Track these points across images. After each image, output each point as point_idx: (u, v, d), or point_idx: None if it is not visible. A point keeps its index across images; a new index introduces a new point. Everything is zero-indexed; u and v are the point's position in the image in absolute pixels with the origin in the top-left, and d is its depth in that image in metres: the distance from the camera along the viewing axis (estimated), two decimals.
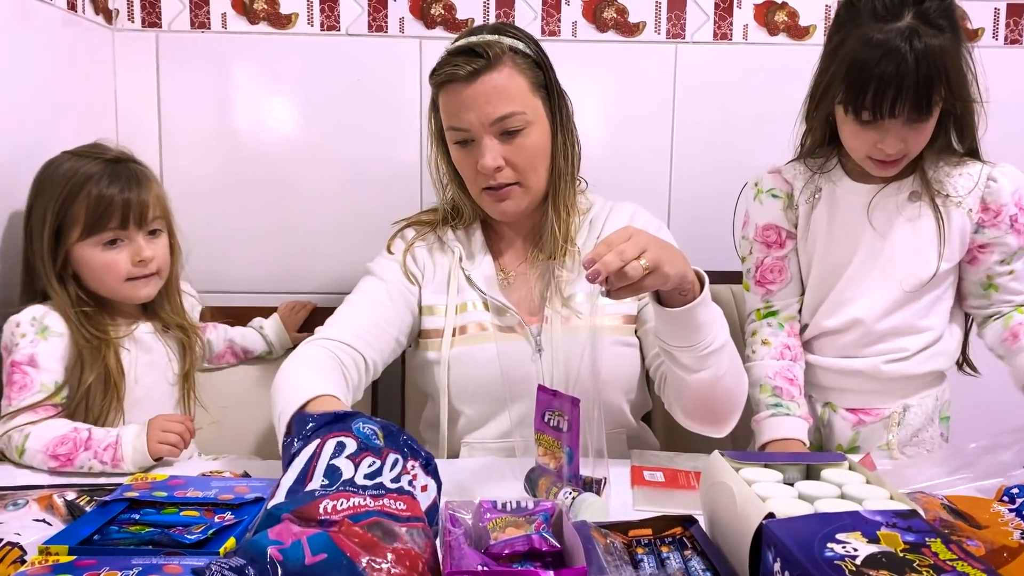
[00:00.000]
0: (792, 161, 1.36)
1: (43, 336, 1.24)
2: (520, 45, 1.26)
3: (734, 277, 1.71)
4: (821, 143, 1.33)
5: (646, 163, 1.79)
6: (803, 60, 1.72)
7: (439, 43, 1.72)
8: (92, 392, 1.24)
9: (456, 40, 1.28)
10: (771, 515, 0.75)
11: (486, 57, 1.22)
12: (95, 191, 1.24)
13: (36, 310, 1.25)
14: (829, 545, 0.68)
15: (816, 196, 1.32)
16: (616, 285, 1.00)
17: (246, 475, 1.09)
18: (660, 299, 1.10)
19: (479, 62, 1.22)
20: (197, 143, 1.76)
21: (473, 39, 1.25)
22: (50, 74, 1.47)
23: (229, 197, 1.77)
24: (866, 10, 1.16)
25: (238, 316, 1.62)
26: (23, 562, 0.77)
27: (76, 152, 1.29)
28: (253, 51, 1.73)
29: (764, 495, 0.80)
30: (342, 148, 1.77)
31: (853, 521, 0.72)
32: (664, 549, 0.85)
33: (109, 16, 1.68)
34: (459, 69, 1.22)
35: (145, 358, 1.33)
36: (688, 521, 0.90)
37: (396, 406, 1.67)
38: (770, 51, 1.76)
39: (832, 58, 1.21)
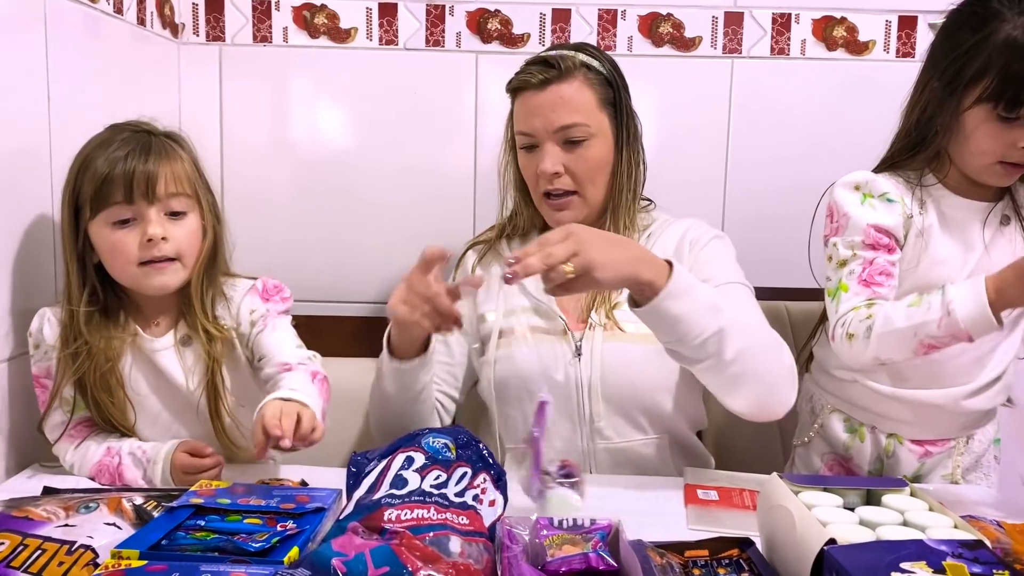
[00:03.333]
0: (884, 172, 1.30)
1: (50, 349, 1.18)
2: (595, 63, 1.33)
3: (790, 294, 1.70)
4: (912, 157, 1.28)
5: (700, 179, 1.78)
6: (862, 76, 1.74)
7: (495, 58, 1.76)
8: (98, 402, 1.17)
9: (546, 51, 1.36)
10: (832, 541, 0.74)
11: (558, 68, 1.31)
12: (99, 162, 1.12)
13: (43, 316, 1.19)
14: (894, 574, 0.67)
15: (922, 210, 1.25)
16: (547, 285, 1.03)
17: (304, 483, 1.11)
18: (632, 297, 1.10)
19: (551, 72, 1.31)
20: (257, 154, 1.79)
21: (551, 52, 1.34)
22: (119, 85, 1.51)
23: (287, 207, 1.80)
24: (1008, 6, 1.13)
25: (313, 329, 1.63)
26: (95, 564, 0.79)
27: (114, 125, 1.19)
28: (313, 65, 1.77)
29: (824, 520, 0.80)
30: (398, 161, 1.79)
31: (918, 550, 0.71)
32: (721, 571, 0.85)
33: (175, 30, 1.73)
34: (531, 77, 1.31)
35: (146, 368, 1.20)
36: (745, 543, 0.90)
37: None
38: (828, 67, 1.74)
39: (973, 54, 1.16)
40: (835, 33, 1.74)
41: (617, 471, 1.32)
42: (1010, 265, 1.07)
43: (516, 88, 1.35)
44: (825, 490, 0.88)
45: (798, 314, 1.67)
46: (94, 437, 1.20)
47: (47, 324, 1.18)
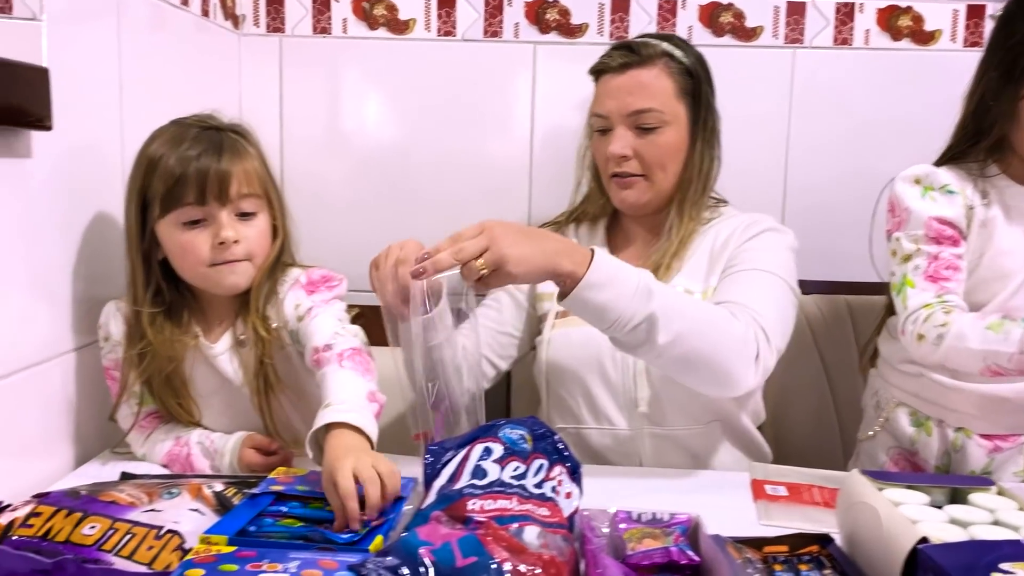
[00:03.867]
0: (945, 164, 1.29)
1: (117, 344, 1.18)
2: (678, 52, 1.34)
3: (851, 288, 1.68)
4: (973, 147, 1.27)
5: (759, 171, 1.76)
6: (927, 66, 1.71)
7: (553, 48, 1.75)
8: (163, 400, 1.19)
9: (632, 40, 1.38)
10: (924, 539, 0.73)
11: (639, 54, 1.32)
12: (172, 160, 1.09)
13: (111, 309, 1.20)
14: (993, 575, 0.66)
15: (985, 201, 1.25)
16: (466, 282, 1.02)
17: None
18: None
19: (631, 57, 1.32)
20: (315, 146, 1.80)
21: (636, 39, 1.36)
22: (182, 77, 1.53)
23: (345, 199, 1.81)
24: None
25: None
26: (183, 550, 0.81)
27: (181, 120, 1.17)
28: (371, 56, 1.77)
29: (913, 518, 0.79)
30: (454, 153, 1.79)
31: (1016, 551, 0.70)
32: (803, 568, 0.84)
33: (236, 21, 1.74)
34: (612, 60, 1.33)
35: (212, 374, 1.20)
36: (824, 539, 0.89)
37: (501, 398, 1.69)
38: (893, 57, 1.71)
39: None
40: (900, 23, 1.71)
41: (665, 459, 1.31)
42: None
43: (597, 71, 1.36)
44: (909, 487, 0.87)
45: (859, 308, 1.65)
46: (163, 428, 1.22)
47: (113, 319, 1.19)
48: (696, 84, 1.34)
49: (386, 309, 1.10)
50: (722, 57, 1.71)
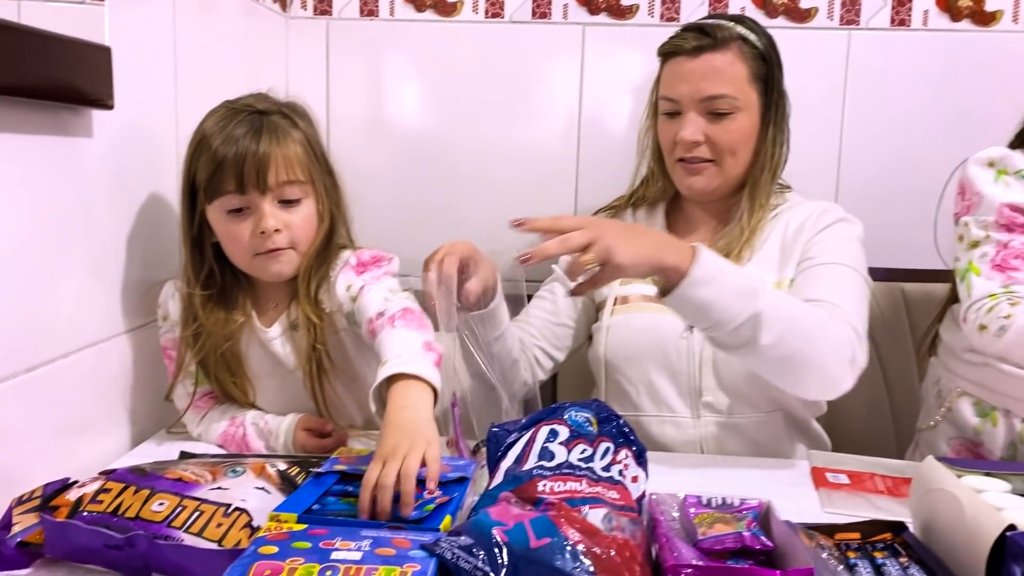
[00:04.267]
0: (1021, 147, 1.25)
1: (175, 324, 1.19)
2: (752, 36, 1.30)
3: (909, 275, 1.64)
4: None
5: (812, 154, 1.72)
6: (989, 48, 1.66)
7: (602, 30, 1.73)
8: (219, 381, 1.19)
9: (703, 19, 1.35)
10: (1011, 526, 0.71)
11: (713, 38, 1.28)
12: (214, 145, 1.08)
13: (169, 289, 1.20)
14: None
15: None
16: (572, 283, 1.02)
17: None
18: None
19: (705, 40, 1.28)
20: (362, 129, 1.80)
21: (708, 20, 1.33)
22: (231, 59, 1.53)
23: (391, 182, 1.80)
24: None
25: None
26: (251, 527, 0.80)
27: (233, 101, 1.15)
28: (419, 38, 1.76)
29: (997, 505, 0.77)
30: (500, 136, 1.78)
31: None
32: (878, 555, 0.82)
33: (284, 4, 1.74)
34: (685, 43, 1.29)
35: (266, 355, 1.19)
36: (898, 527, 0.87)
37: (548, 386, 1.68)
38: (953, 38, 1.67)
39: None
40: (960, 3, 1.66)
41: (726, 448, 1.30)
42: None
43: (668, 52, 1.32)
44: (987, 475, 0.85)
45: (915, 296, 1.62)
46: (218, 408, 1.22)
47: (172, 299, 1.20)
48: (769, 68, 1.31)
49: (435, 300, 1.10)
50: (777, 39, 1.69)
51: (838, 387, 1.14)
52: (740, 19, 1.33)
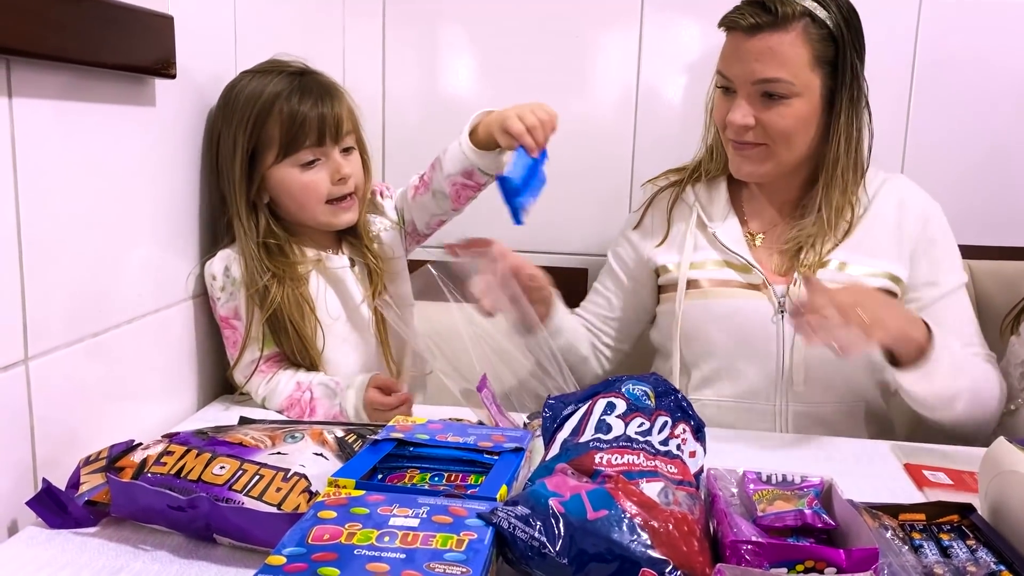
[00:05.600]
0: None
1: (238, 288, 1.21)
2: (821, 13, 1.19)
3: (974, 252, 1.59)
4: None
5: (878, 129, 1.67)
6: None
7: (659, 2, 1.69)
8: (293, 331, 1.21)
9: None
10: None
11: (774, 14, 1.18)
12: (287, 108, 1.17)
13: (227, 257, 1.22)
14: None
15: None
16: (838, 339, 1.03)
17: (481, 423, 1.12)
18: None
19: (764, 18, 1.19)
20: (416, 102, 1.79)
21: None
22: (287, 29, 1.53)
23: None
24: None
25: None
26: (310, 492, 0.81)
27: (257, 70, 1.23)
28: (474, 10, 1.75)
29: None
30: (558, 109, 1.74)
31: None
32: (944, 537, 0.80)
33: None
34: (742, 19, 1.20)
35: (334, 290, 1.27)
36: (966, 509, 0.84)
37: None
38: None
39: None
40: None
41: (804, 432, 1.27)
42: None
43: (726, 26, 1.24)
44: None
45: (983, 274, 1.57)
46: (283, 372, 1.23)
47: (233, 263, 1.21)
48: (839, 50, 1.21)
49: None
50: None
51: (992, 423, 1.23)
52: None
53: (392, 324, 1.17)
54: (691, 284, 1.30)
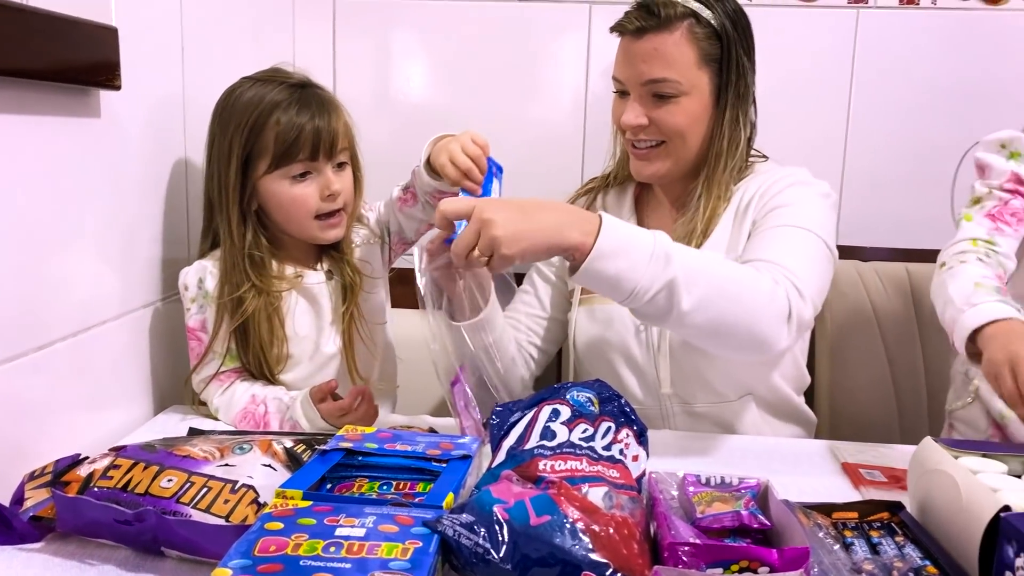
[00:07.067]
0: None
1: (209, 301, 1.21)
2: (705, 13, 1.22)
3: (915, 255, 1.65)
4: None
5: (819, 135, 1.72)
6: (998, 27, 1.65)
7: (608, 8, 1.72)
8: (258, 343, 1.21)
9: None
10: (1006, 507, 0.72)
11: (658, 16, 1.21)
12: (284, 119, 1.16)
13: (201, 269, 1.22)
14: None
15: None
16: (472, 269, 1.02)
17: (432, 430, 1.13)
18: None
19: (649, 20, 1.22)
20: (367, 105, 1.80)
21: None
22: (236, 38, 1.53)
23: (397, 159, 1.79)
24: None
25: (402, 278, 1.66)
26: (258, 503, 0.82)
27: (258, 78, 1.22)
28: (425, 15, 1.76)
29: (993, 486, 0.77)
30: (506, 114, 1.78)
31: None
32: (874, 534, 0.84)
33: None
34: (629, 23, 1.24)
35: (307, 306, 1.26)
36: (895, 507, 0.88)
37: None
38: (961, 17, 1.66)
39: None
40: None
41: (699, 432, 1.29)
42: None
43: (616, 31, 1.28)
44: (984, 456, 0.86)
45: (921, 277, 1.62)
46: (241, 383, 1.23)
47: (208, 276, 1.21)
48: (725, 48, 1.23)
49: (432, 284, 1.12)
50: (783, 18, 1.69)
51: (773, 346, 1.07)
52: None
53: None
54: (585, 291, 1.33)
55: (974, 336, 1.04)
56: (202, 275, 1.22)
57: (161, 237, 1.27)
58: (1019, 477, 0.82)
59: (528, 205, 0.99)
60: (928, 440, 0.88)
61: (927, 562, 0.77)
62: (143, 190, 1.23)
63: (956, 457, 0.84)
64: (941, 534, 0.81)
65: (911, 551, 0.80)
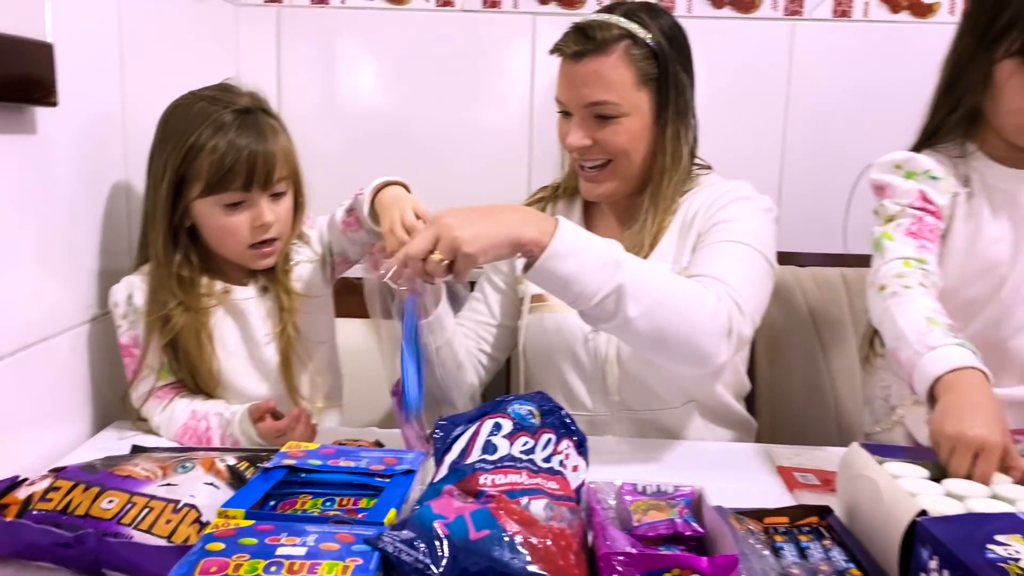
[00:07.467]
0: (925, 150, 1.25)
1: (139, 317, 1.20)
2: (642, 34, 1.24)
3: (850, 260, 1.69)
4: (956, 124, 1.23)
5: (757, 145, 1.77)
6: (926, 39, 1.71)
7: (552, 19, 1.75)
8: (188, 360, 1.21)
9: (597, 11, 1.29)
10: (924, 512, 0.75)
11: (595, 40, 1.23)
12: (222, 145, 1.14)
13: (130, 285, 1.21)
14: (989, 546, 0.69)
15: (968, 188, 1.21)
16: (429, 278, 1.01)
17: (379, 444, 1.14)
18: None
19: (587, 44, 1.24)
20: (314, 117, 1.80)
21: (594, 18, 1.26)
22: (178, 51, 1.52)
23: (343, 170, 1.78)
24: None
25: (350, 288, 1.66)
26: (200, 523, 0.82)
27: (205, 95, 1.19)
28: (370, 26, 1.77)
29: (912, 491, 0.81)
30: (454, 124, 1.80)
31: (1011, 523, 0.72)
32: (803, 538, 0.87)
33: None
34: (567, 47, 1.26)
35: (235, 322, 1.26)
36: (824, 511, 0.91)
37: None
38: (892, 30, 1.72)
39: (1003, 4, 1.11)
40: None
41: (645, 437, 1.32)
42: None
43: (555, 53, 1.29)
44: (907, 461, 0.89)
45: (855, 281, 1.67)
46: (180, 399, 1.23)
47: (137, 290, 1.21)
48: (662, 66, 1.25)
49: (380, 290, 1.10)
50: (722, 30, 1.73)
51: (712, 360, 1.10)
52: (634, 12, 1.26)
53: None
54: (538, 298, 1.36)
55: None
56: (130, 291, 1.21)
57: (101, 252, 1.26)
58: (939, 481, 0.85)
59: (485, 207, 1.04)
60: (855, 446, 0.92)
61: (851, 564, 0.81)
62: (82, 206, 1.22)
63: (880, 463, 0.88)
64: (865, 537, 0.84)
65: (837, 554, 0.83)
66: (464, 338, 1.40)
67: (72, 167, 1.19)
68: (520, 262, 1.33)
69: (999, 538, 0.70)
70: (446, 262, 0.98)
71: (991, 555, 0.67)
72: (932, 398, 0.98)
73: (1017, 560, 0.67)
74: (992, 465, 0.87)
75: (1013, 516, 0.74)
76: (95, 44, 1.24)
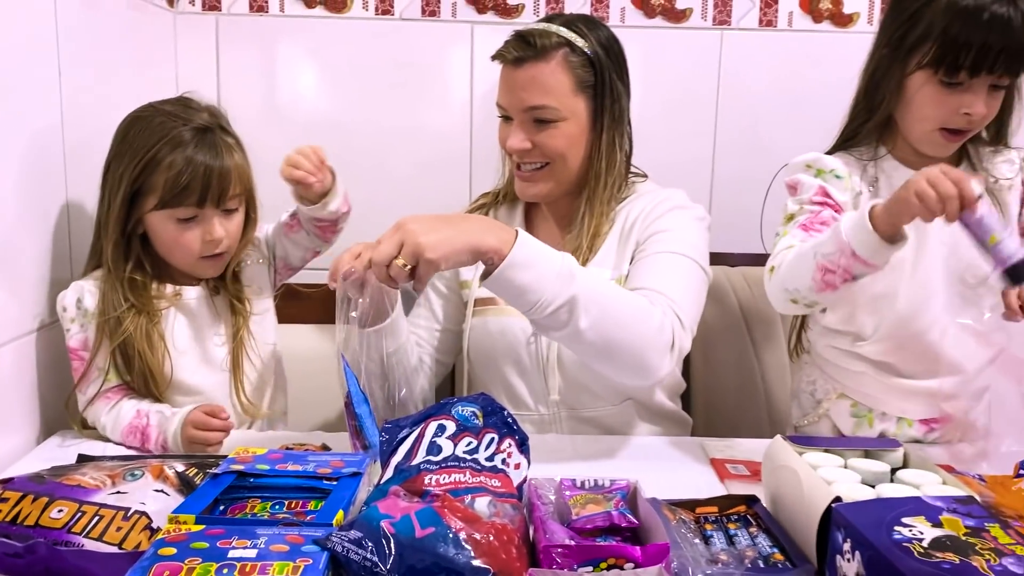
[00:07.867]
0: (838, 151, 1.33)
1: (89, 320, 1.23)
2: (579, 42, 1.29)
3: None
4: (872, 130, 1.31)
5: (689, 150, 1.83)
6: (846, 47, 1.79)
7: (490, 28, 1.79)
8: (140, 361, 1.23)
9: (538, 21, 1.35)
10: (838, 499, 0.81)
11: (535, 47, 1.28)
12: (178, 161, 1.18)
13: (79, 289, 1.24)
14: (896, 528, 0.74)
15: (872, 189, 1.28)
16: (392, 284, 1.04)
17: (326, 447, 1.16)
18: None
19: (527, 51, 1.29)
20: (255, 124, 1.78)
21: (534, 26, 1.32)
22: (115, 57, 1.52)
23: None
24: None
25: (293, 294, 1.67)
26: (151, 529, 0.84)
27: (165, 110, 1.22)
28: (309, 34, 1.78)
29: (829, 479, 0.87)
30: (394, 130, 1.82)
31: (917, 507, 0.78)
32: (731, 526, 0.92)
33: (171, 0, 1.73)
34: (508, 53, 1.31)
35: (186, 321, 1.29)
36: (751, 500, 0.97)
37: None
38: (814, 38, 1.80)
39: (916, 18, 1.18)
40: (821, 5, 1.79)
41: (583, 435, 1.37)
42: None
43: (496, 59, 1.34)
44: (826, 451, 0.96)
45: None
46: (128, 400, 1.24)
47: (87, 295, 1.23)
48: (599, 74, 1.30)
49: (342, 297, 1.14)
50: (654, 39, 1.79)
51: (654, 374, 1.16)
52: (572, 22, 1.31)
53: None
54: (482, 302, 1.40)
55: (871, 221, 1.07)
56: (80, 295, 1.23)
57: (43, 262, 1.26)
58: (851, 469, 0.92)
59: (447, 215, 1.09)
60: (778, 438, 0.97)
61: (775, 549, 0.86)
62: (23, 219, 1.22)
63: (800, 453, 0.94)
64: (788, 523, 0.90)
65: (762, 540, 0.88)
66: (415, 343, 1.43)
67: (12, 182, 1.19)
68: (467, 268, 1.38)
69: (906, 520, 0.76)
70: (409, 267, 1.02)
71: (897, 536, 0.73)
72: (878, 232, 1.06)
73: (921, 540, 0.73)
74: (955, 171, 1.00)
75: (918, 500, 0.80)
76: (31, 52, 1.24)
